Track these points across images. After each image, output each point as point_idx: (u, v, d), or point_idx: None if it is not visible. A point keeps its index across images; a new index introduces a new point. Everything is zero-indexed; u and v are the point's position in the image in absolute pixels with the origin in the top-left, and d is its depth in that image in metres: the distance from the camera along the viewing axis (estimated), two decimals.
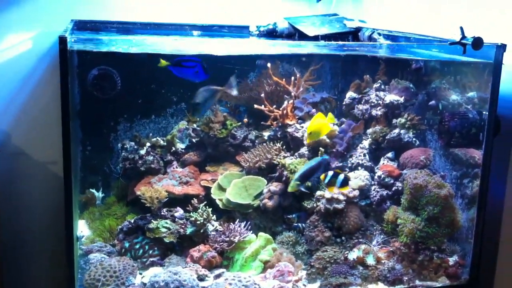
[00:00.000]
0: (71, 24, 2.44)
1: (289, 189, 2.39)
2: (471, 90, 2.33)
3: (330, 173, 2.31)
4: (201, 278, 2.21)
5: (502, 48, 2.05)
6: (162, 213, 2.44)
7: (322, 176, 2.33)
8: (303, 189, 2.39)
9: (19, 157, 2.67)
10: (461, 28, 2.00)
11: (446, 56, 2.39)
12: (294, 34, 2.63)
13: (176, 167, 2.69)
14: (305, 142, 2.60)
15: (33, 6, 2.58)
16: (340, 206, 2.40)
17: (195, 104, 2.45)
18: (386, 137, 2.56)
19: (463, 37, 2.00)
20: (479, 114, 2.22)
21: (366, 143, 2.62)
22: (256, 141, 2.74)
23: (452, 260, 2.28)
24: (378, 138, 2.58)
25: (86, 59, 2.53)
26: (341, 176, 2.29)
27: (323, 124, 2.35)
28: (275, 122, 2.69)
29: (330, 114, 2.50)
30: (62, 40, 1.83)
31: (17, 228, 2.71)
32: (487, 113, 2.14)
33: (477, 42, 1.97)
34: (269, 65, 2.69)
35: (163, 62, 2.31)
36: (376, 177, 2.51)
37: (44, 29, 2.60)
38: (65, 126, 1.89)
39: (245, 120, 2.75)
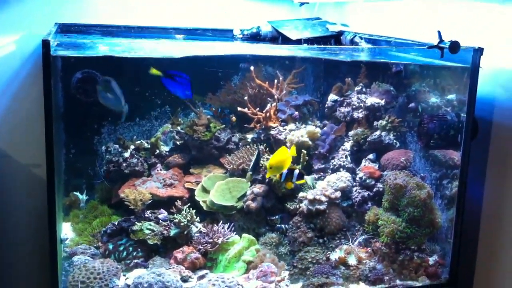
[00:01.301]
0: (55, 27, 2.45)
1: (246, 180, 2.48)
2: (450, 93, 2.38)
3: (285, 171, 2.36)
4: (184, 280, 2.23)
5: (479, 51, 2.09)
6: (146, 215, 2.45)
7: (277, 176, 2.40)
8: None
9: (2, 160, 2.66)
10: (439, 32, 2.03)
11: (426, 60, 2.43)
12: (278, 37, 2.66)
13: (160, 170, 2.70)
14: (288, 144, 2.63)
15: (16, 9, 2.58)
16: (322, 207, 2.43)
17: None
18: (368, 139, 2.60)
19: (441, 41, 2.03)
20: (457, 116, 2.26)
21: (347, 145, 2.65)
22: (240, 143, 2.76)
23: (432, 259, 2.32)
24: (360, 140, 2.61)
25: (70, 62, 2.54)
26: (296, 171, 2.36)
27: (286, 158, 2.37)
28: (258, 125, 2.71)
29: (293, 147, 2.49)
30: (46, 44, 1.83)
31: (1, 230, 2.71)
32: (465, 115, 2.18)
33: (454, 46, 2.01)
34: (252, 68, 2.72)
35: (155, 71, 2.35)
36: (357, 178, 2.55)
37: (28, 32, 2.60)
38: (48, 128, 1.89)
39: (233, 118, 2.76)
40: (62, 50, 2.17)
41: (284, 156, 2.37)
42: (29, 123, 2.65)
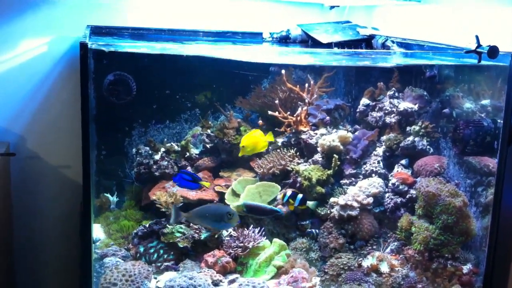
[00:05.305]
0: (88, 30, 2.46)
1: (234, 208, 2.43)
2: (485, 98, 2.34)
3: (289, 192, 2.41)
4: (215, 283, 2.23)
5: None
6: None
7: (281, 196, 2.44)
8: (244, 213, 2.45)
9: (33, 161, 2.69)
10: (477, 37, 1.99)
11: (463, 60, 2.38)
12: (307, 41, 2.64)
13: None
14: (319, 148, 2.61)
15: (48, 11, 2.61)
16: (354, 213, 2.41)
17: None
18: (400, 145, 2.56)
19: (479, 45, 2.00)
20: (493, 122, 2.22)
21: (380, 150, 2.62)
22: (270, 147, 2.73)
23: (466, 268, 2.27)
24: (392, 145, 2.58)
25: (102, 64, 2.54)
26: (300, 196, 2.40)
27: (259, 141, 2.42)
28: (288, 129, 2.70)
29: (270, 133, 2.54)
30: (83, 46, 1.84)
31: (30, 231, 2.73)
32: (501, 121, 2.14)
33: (493, 51, 1.97)
34: (283, 71, 2.70)
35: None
36: (390, 184, 2.51)
37: (59, 34, 2.62)
38: (85, 130, 1.90)
39: (260, 122, 2.75)
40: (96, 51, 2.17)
41: (257, 138, 2.42)
42: (60, 124, 2.67)
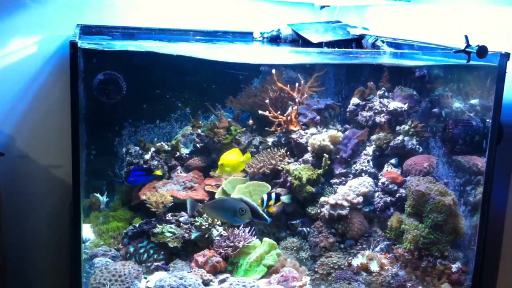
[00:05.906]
0: (78, 29, 2.45)
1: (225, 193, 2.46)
2: (474, 98, 2.35)
3: (265, 197, 2.36)
4: (206, 283, 2.22)
5: (506, 56, 2.07)
6: (167, 218, 2.45)
7: (259, 202, 2.38)
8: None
9: (23, 161, 2.68)
10: (466, 37, 2.01)
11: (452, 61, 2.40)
12: (298, 40, 2.65)
13: (181, 172, 2.70)
14: (309, 148, 2.61)
15: (38, 10, 2.59)
16: (344, 212, 2.42)
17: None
18: (390, 144, 2.57)
19: (468, 45, 2.01)
20: (482, 122, 2.23)
21: (370, 149, 2.63)
22: (260, 146, 2.74)
23: (455, 266, 2.29)
24: (382, 144, 2.59)
25: (92, 64, 2.53)
26: (273, 194, 2.37)
27: (239, 162, 2.40)
28: (279, 128, 2.70)
29: (248, 154, 2.51)
30: (73, 45, 1.83)
31: (20, 231, 2.72)
32: (490, 120, 2.16)
33: (482, 51, 1.98)
34: (273, 71, 2.71)
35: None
36: (380, 183, 2.53)
37: (50, 33, 2.61)
38: (75, 130, 1.89)
39: (251, 122, 2.75)
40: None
41: (237, 160, 2.39)
42: (49, 123, 2.66)
